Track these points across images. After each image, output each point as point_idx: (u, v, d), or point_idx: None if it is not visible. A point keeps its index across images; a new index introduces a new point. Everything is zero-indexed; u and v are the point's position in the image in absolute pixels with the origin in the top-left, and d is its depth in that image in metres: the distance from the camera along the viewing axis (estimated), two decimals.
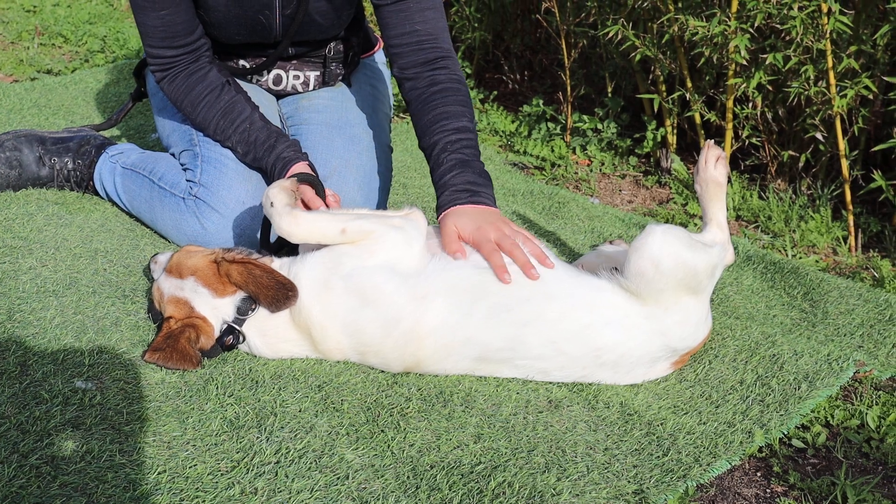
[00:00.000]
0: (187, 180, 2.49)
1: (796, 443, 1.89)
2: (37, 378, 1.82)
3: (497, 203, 2.22)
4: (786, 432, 1.90)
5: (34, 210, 2.59)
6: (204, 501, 1.55)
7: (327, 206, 2.24)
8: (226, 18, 2.43)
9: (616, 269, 2.03)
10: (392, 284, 1.92)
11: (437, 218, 2.15)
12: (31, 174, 2.72)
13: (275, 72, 2.69)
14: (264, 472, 1.64)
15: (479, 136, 3.77)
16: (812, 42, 2.84)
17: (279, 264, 2.02)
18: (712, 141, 2.21)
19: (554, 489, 1.66)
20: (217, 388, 1.87)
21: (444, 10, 2.42)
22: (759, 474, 1.81)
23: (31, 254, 2.34)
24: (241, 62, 2.64)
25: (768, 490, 1.77)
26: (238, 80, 2.57)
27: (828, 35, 2.80)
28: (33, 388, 1.79)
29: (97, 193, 2.76)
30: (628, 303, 1.96)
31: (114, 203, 2.72)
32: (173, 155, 2.62)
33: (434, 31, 2.38)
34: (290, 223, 1.96)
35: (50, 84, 3.99)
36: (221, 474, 1.62)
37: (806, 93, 2.90)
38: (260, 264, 1.96)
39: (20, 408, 1.72)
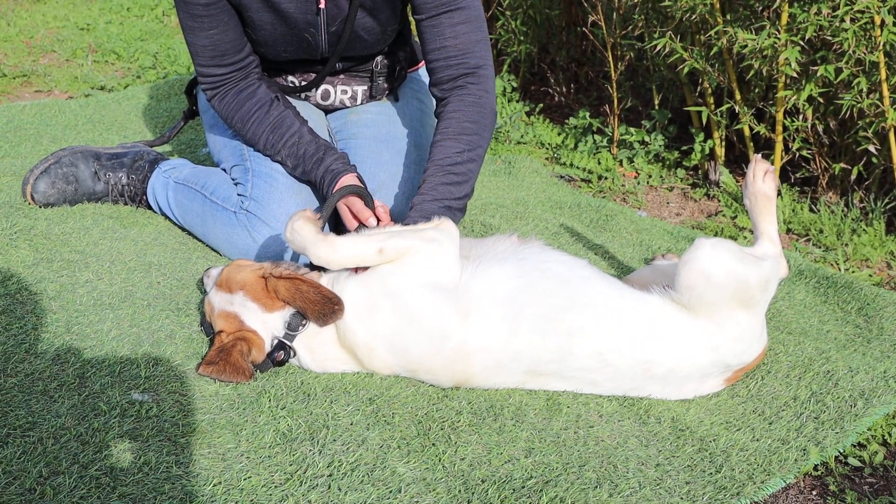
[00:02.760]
0: (238, 194, 2.52)
1: (853, 461, 1.87)
2: (95, 390, 1.85)
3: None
4: (842, 450, 1.88)
5: (90, 224, 2.64)
6: None
7: (377, 217, 2.26)
8: (272, 37, 2.47)
9: (669, 286, 2.01)
10: (436, 301, 1.92)
11: None
12: (87, 189, 2.78)
13: (323, 87, 2.72)
14: (317, 485, 1.65)
15: (526, 148, 3.78)
16: (864, 54, 2.80)
17: (326, 279, 2.04)
18: (759, 155, 2.20)
19: None
20: (270, 400, 1.89)
21: (484, 22, 2.42)
22: (814, 493, 1.79)
23: (88, 267, 2.39)
24: (290, 78, 2.68)
25: None
26: (287, 97, 2.61)
27: (881, 47, 2.77)
28: (92, 399, 1.82)
29: (150, 208, 2.81)
30: (678, 317, 1.94)
31: (166, 217, 2.76)
32: (224, 170, 2.66)
33: (464, 45, 2.38)
34: (327, 251, 1.96)
35: (103, 100, 4.08)
36: (275, 486, 1.64)
37: (858, 105, 2.86)
38: (307, 279, 1.98)
39: (80, 419, 1.76)
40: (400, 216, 2.51)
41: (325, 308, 1.94)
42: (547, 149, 3.87)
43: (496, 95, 2.79)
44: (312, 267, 2.25)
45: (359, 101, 2.78)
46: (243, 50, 2.49)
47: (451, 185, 2.29)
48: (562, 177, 3.62)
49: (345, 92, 2.76)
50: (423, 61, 2.92)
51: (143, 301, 2.24)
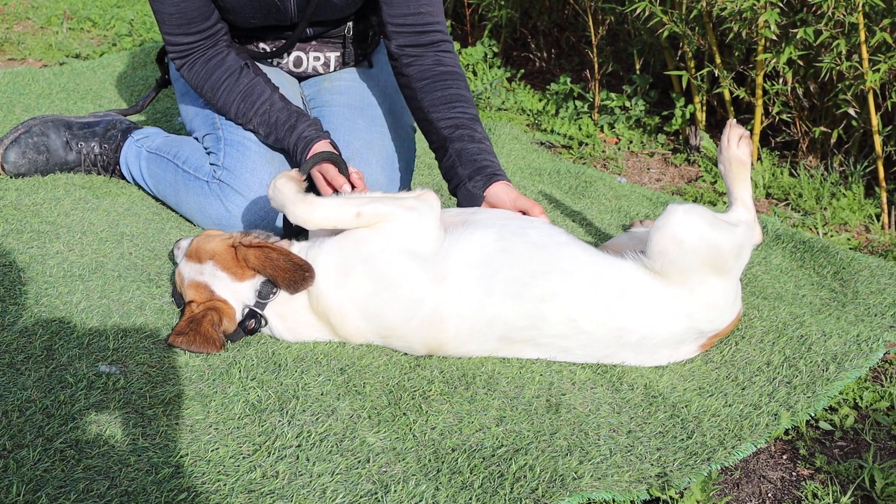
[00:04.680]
0: (211, 164, 2.49)
1: (824, 425, 1.87)
2: (62, 362, 1.84)
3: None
4: (813, 414, 1.88)
5: (61, 194, 2.61)
6: (225, 485, 1.56)
7: (351, 184, 2.24)
8: (240, 3, 2.42)
9: (643, 251, 2.00)
10: (412, 267, 1.91)
11: (487, 182, 2.26)
12: (59, 159, 2.74)
13: (295, 54, 2.68)
14: (286, 456, 1.64)
15: (506, 115, 3.76)
16: (844, 15, 2.77)
17: (297, 248, 2.02)
18: (734, 120, 2.18)
19: (575, 472, 1.65)
20: (240, 371, 1.87)
21: None
22: (784, 457, 1.79)
23: (59, 238, 2.36)
24: (261, 45, 2.63)
25: (794, 473, 1.75)
26: (259, 64, 2.57)
27: (860, 8, 2.74)
28: (59, 372, 1.81)
29: (123, 177, 2.78)
30: (651, 283, 1.93)
31: (140, 187, 2.73)
32: (197, 139, 2.63)
33: (436, 14, 2.42)
34: (305, 210, 1.96)
35: (78, 68, 4.02)
36: (243, 458, 1.63)
37: (838, 68, 2.84)
38: (277, 247, 1.96)
39: (46, 392, 1.74)
40: (374, 184, 2.49)
41: (296, 275, 1.93)
42: (528, 115, 3.84)
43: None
44: (286, 234, 2.24)
45: (332, 68, 2.75)
46: (211, 17, 2.44)
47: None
48: (542, 143, 3.59)
49: (317, 59, 2.72)
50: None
51: (113, 272, 2.22)
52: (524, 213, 2.17)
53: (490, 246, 1.94)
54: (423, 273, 1.91)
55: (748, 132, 2.17)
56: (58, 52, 4.34)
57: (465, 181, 2.28)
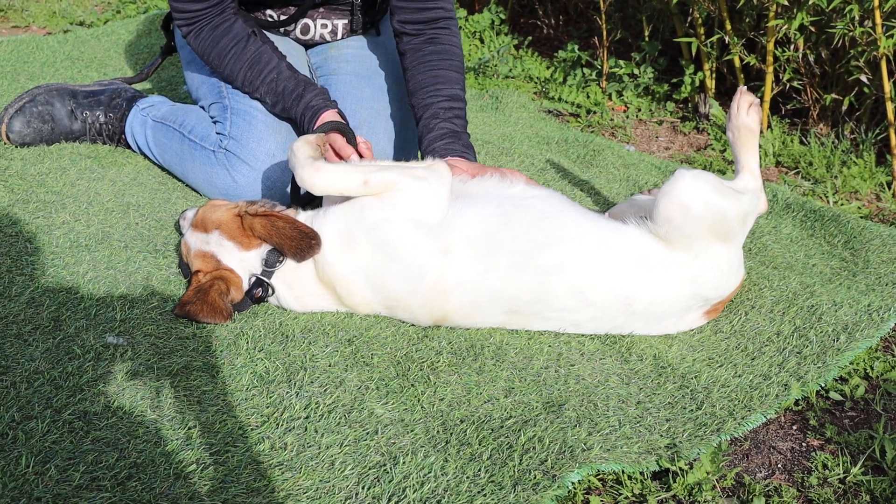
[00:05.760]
0: (217, 133, 2.47)
1: (834, 395, 1.86)
2: (70, 333, 1.83)
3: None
4: (823, 385, 1.87)
5: (67, 164, 2.59)
6: (234, 456, 1.56)
7: (359, 153, 2.22)
8: None
9: (645, 217, 1.98)
10: (417, 237, 1.89)
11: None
12: (64, 128, 2.73)
13: (302, 21, 2.65)
14: (294, 427, 1.64)
15: (514, 83, 3.72)
16: None
17: (304, 217, 2.01)
18: (744, 87, 2.15)
19: (585, 444, 1.64)
20: (247, 342, 1.87)
21: None
22: (794, 428, 1.78)
23: (65, 208, 2.35)
24: (269, 12, 2.60)
25: (804, 444, 1.74)
26: (266, 32, 2.54)
27: None
28: (66, 343, 1.80)
29: (129, 147, 2.77)
30: (656, 248, 1.92)
31: (145, 156, 2.72)
32: (203, 108, 2.60)
33: None
34: (311, 173, 1.94)
35: (82, 36, 3.99)
36: (251, 429, 1.63)
37: (850, 34, 2.80)
38: (283, 216, 1.95)
39: (53, 363, 1.74)
40: (381, 153, 2.47)
41: (302, 243, 1.92)
42: (535, 83, 3.81)
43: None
44: (294, 203, 2.22)
45: (339, 36, 2.72)
46: None
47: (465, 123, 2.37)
48: (550, 111, 3.56)
49: (325, 26, 2.69)
50: None
51: (120, 243, 2.21)
52: None
53: (493, 219, 1.93)
54: (426, 243, 1.90)
55: (758, 100, 2.14)
56: (62, 20, 4.31)
57: None
